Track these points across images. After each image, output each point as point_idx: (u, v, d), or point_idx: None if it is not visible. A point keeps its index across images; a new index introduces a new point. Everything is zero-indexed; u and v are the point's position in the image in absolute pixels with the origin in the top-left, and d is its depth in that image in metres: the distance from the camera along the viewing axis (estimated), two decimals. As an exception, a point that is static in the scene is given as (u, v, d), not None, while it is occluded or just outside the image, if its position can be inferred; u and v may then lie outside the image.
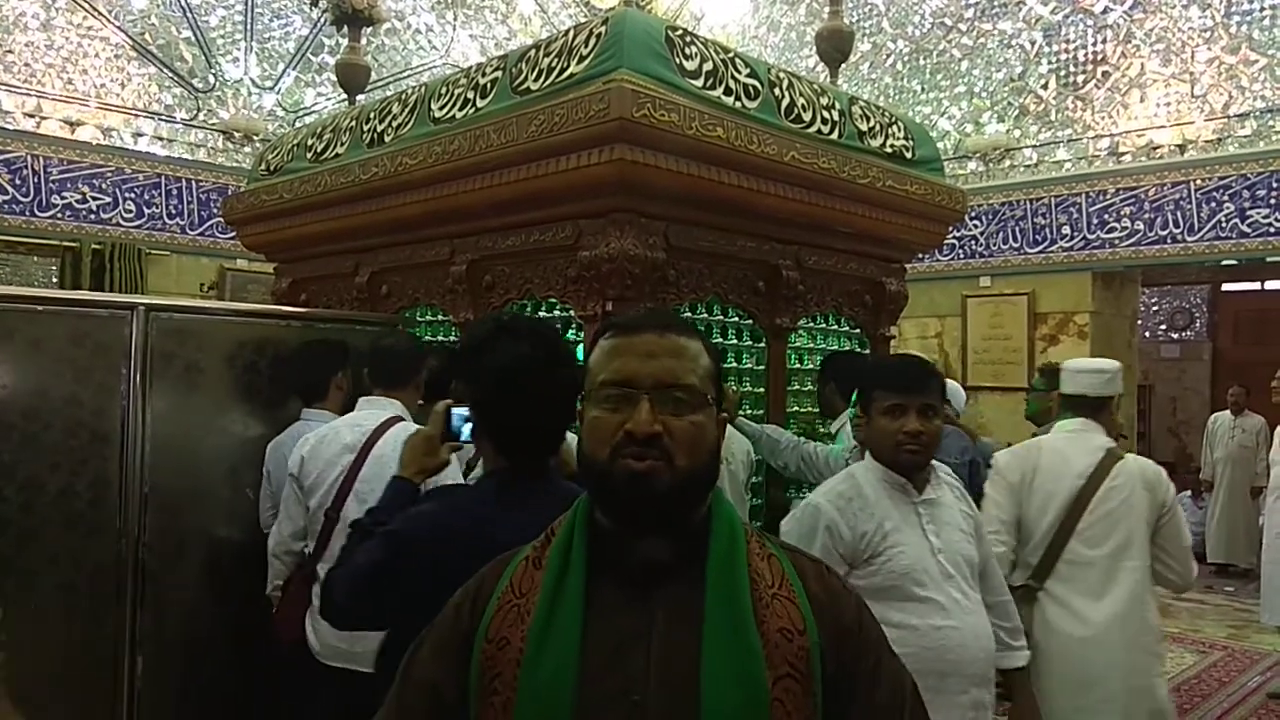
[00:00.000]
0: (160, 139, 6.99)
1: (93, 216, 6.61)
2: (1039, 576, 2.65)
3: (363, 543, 1.60)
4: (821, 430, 3.44)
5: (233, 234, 4.97)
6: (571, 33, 2.83)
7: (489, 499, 1.56)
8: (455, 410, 1.75)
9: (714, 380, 1.10)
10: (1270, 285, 10.36)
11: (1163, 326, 11.35)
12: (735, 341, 3.26)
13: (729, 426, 2.71)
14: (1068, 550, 2.62)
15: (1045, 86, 7.00)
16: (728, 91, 2.82)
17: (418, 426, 1.96)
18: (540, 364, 1.56)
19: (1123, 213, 6.56)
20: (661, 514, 1.04)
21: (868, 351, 3.75)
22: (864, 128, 3.30)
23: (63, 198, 6.49)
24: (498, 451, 1.60)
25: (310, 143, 3.87)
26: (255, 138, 7.29)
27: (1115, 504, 2.62)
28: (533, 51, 2.93)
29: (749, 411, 3.26)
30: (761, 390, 3.31)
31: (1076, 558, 2.61)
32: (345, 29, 4.93)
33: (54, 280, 6.55)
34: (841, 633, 1.06)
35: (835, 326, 3.67)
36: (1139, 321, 7.77)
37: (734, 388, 3.17)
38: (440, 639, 1.10)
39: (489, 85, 3.01)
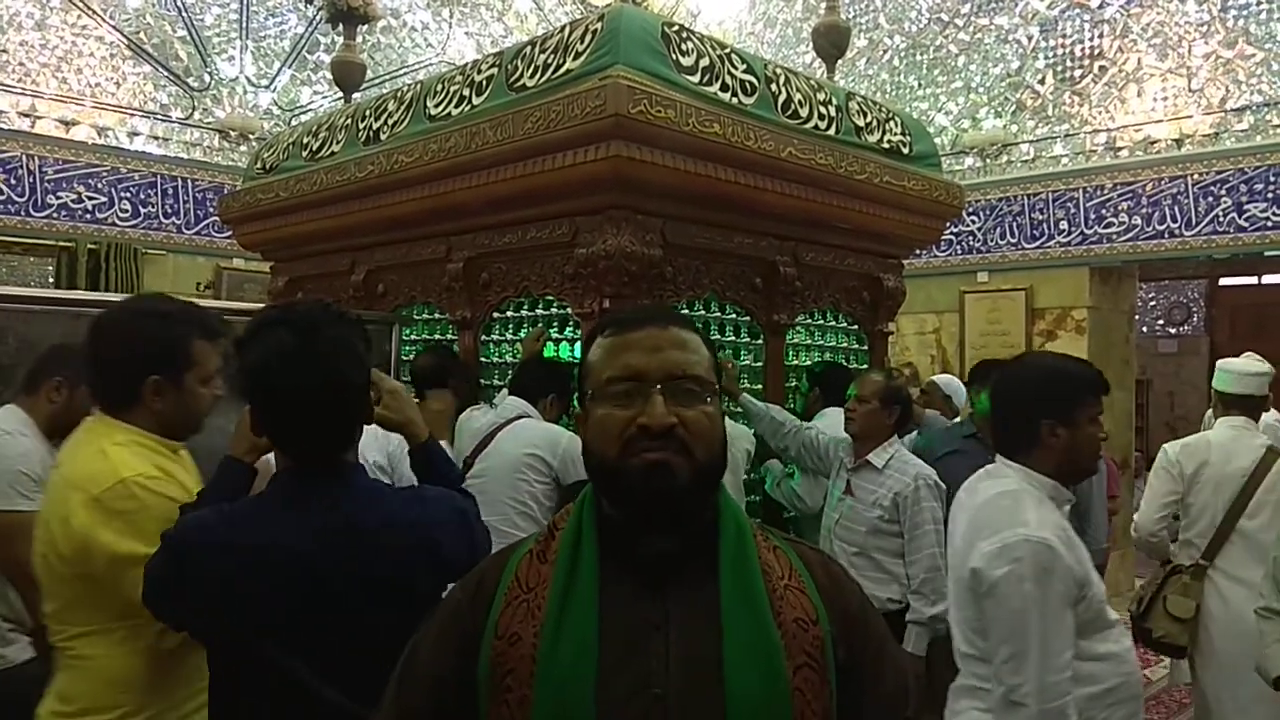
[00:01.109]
0: (156, 138, 6.96)
1: (88, 216, 6.59)
2: (1209, 555, 3.01)
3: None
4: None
5: (229, 233, 4.96)
6: (567, 29, 2.82)
7: (268, 502, 1.47)
8: None
9: (715, 371, 1.10)
10: (1267, 280, 10.35)
11: (1160, 321, 11.36)
12: (733, 338, 3.26)
13: (727, 420, 2.68)
14: (1236, 530, 2.98)
15: (1042, 82, 6.99)
16: (724, 88, 2.81)
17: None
18: (288, 359, 1.41)
19: (1120, 208, 6.55)
20: (678, 508, 1.03)
21: (865, 347, 3.75)
22: (861, 123, 3.29)
23: (58, 197, 6.46)
24: (279, 451, 1.50)
25: (306, 141, 3.86)
26: (251, 136, 7.27)
27: (1279, 495, 2.98)
28: (529, 48, 2.92)
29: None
30: (760, 387, 3.30)
31: (1245, 537, 2.96)
32: (341, 27, 4.92)
33: (50, 280, 6.52)
34: (849, 621, 1.07)
35: (833, 323, 3.67)
36: (1136, 316, 7.75)
37: (731, 361, 3.15)
38: (442, 636, 1.08)
39: (485, 82, 3.00)
